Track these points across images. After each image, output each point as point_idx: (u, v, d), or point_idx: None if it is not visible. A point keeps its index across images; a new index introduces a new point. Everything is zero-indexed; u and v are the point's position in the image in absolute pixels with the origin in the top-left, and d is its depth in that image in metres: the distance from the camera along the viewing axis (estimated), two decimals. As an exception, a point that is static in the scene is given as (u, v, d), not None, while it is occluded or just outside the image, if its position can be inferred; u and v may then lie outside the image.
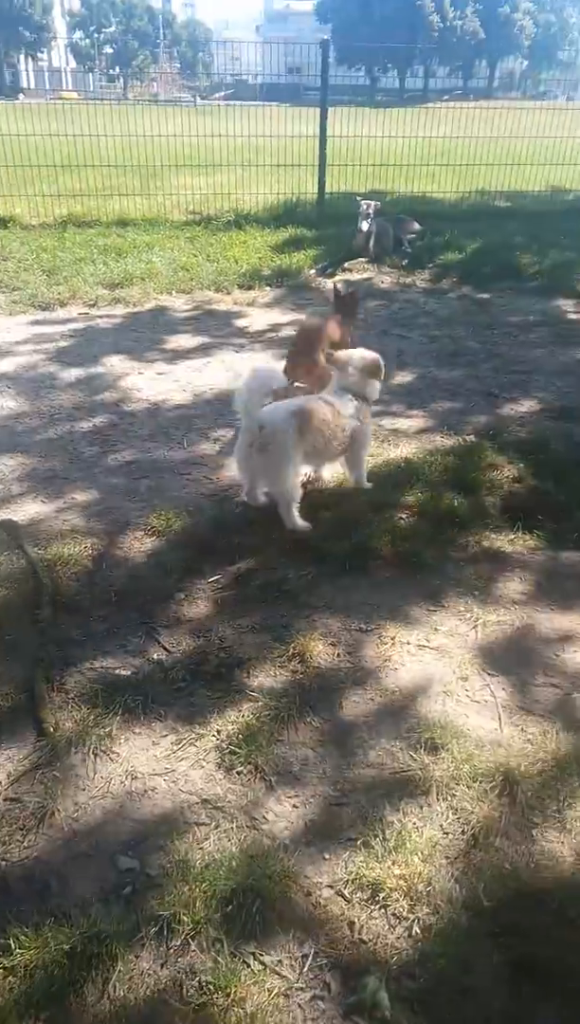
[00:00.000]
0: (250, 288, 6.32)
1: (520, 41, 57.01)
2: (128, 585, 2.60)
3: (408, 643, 2.38)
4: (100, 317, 5.59)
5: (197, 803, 1.83)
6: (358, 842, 1.72)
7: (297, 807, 1.82)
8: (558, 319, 5.70)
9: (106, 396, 4.23)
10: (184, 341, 5.14)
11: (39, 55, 53.30)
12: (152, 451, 3.61)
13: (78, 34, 65.64)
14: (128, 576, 2.66)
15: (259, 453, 2.74)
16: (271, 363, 3.01)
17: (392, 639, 2.38)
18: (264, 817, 1.79)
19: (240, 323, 5.55)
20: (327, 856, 1.70)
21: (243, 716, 2.07)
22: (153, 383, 4.43)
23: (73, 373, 4.54)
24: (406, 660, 2.31)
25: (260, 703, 2.12)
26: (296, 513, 2.86)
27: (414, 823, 1.77)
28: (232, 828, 1.76)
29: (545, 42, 57.81)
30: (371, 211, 6.98)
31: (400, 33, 50.91)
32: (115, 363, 4.70)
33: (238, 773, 1.91)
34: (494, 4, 54.81)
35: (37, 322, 5.45)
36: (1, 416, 3.93)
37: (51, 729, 1.98)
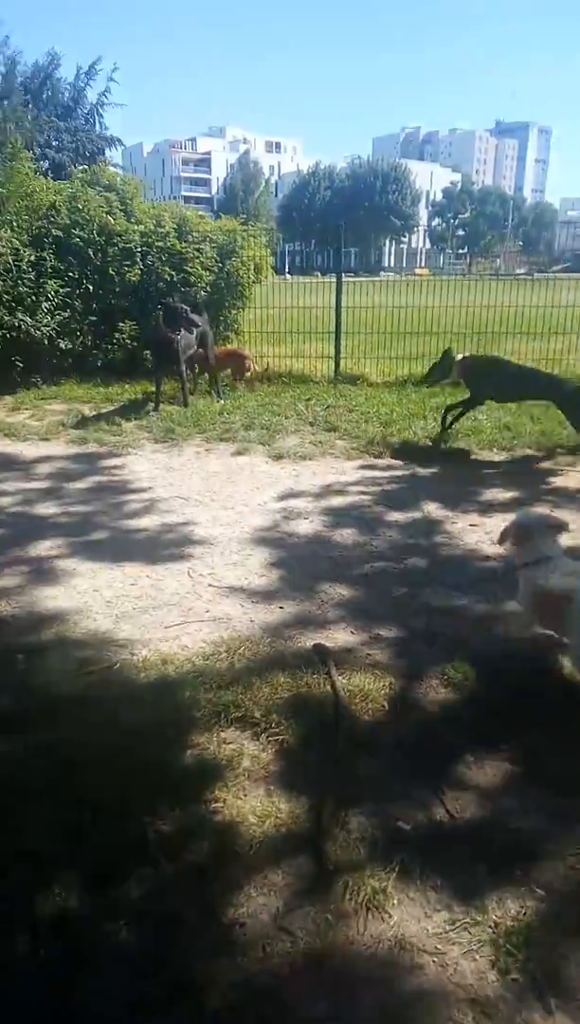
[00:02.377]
0: (576, 452, 6.20)
1: None
2: (418, 733, 2.58)
3: None
4: (423, 468, 5.95)
5: (464, 1001, 1.66)
6: None
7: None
8: None
9: (421, 541, 4.42)
10: (499, 495, 5.19)
11: (402, 239, 62.16)
12: (458, 600, 3.63)
13: (436, 221, 74.58)
14: (419, 724, 2.64)
15: None
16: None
17: None
18: (538, 1042, 1.56)
19: (557, 481, 5.45)
20: None
21: (525, 914, 1.87)
22: (466, 533, 4.51)
23: (394, 516, 4.84)
24: None
25: (544, 905, 1.89)
26: None
27: None
28: (500, 1044, 1.56)
29: None
30: None
31: None
32: (432, 510, 4.91)
33: (513, 980, 1.70)
34: None
35: (368, 467, 5.99)
36: (332, 548, 4.31)
37: (330, 867, 2.01)
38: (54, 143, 28.70)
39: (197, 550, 4.29)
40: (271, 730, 2.57)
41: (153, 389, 8.04)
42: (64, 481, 5.69)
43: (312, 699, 2.77)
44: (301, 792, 2.30)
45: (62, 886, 1.95)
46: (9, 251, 8.73)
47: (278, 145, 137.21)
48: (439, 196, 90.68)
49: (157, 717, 2.64)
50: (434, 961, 1.76)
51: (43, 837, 2.09)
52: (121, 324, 9.66)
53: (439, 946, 1.80)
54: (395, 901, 1.92)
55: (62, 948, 1.80)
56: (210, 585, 3.83)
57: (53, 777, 2.32)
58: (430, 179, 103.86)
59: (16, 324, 8.74)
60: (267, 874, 2.00)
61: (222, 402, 8.29)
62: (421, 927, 1.85)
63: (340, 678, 2.86)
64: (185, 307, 7.79)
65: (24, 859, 2.03)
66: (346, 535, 4.49)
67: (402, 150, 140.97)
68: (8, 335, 8.74)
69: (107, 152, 31.26)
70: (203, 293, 9.84)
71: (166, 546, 4.37)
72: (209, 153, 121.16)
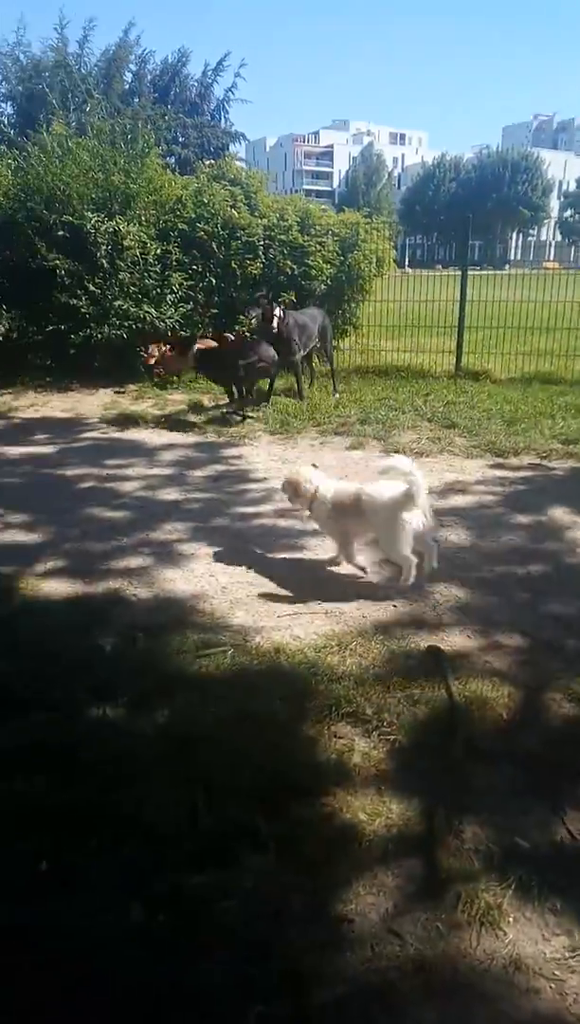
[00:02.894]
0: None
1: None
2: (539, 748, 2.46)
3: None
4: (552, 469, 5.68)
5: (585, 1034, 1.57)
6: None
7: None
8: None
9: (547, 545, 4.21)
10: (635, 503, 4.85)
11: (530, 231, 59.79)
12: (585, 611, 3.43)
13: (569, 212, 70.92)
14: (540, 739, 2.51)
15: None
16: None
17: None
18: None
19: None
20: None
21: None
22: (595, 541, 4.26)
23: (518, 518, 4.64)
24: None
25: None
26: None
27: None
28: None
29: None
30: None
31: None
32: (560, 515, 4.67)
33: None
34: None
35: (492, 466, 5.76)
36: (449, 547, 4.19)
37: (442, 875, 1.95)
38: (181, 139, 29.49)
39: (310, 542, 4.29)
40: (382, 729, 2.53)
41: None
42: (185, 469, 5.86)
43: (425, 701, 2.70)
44: (413, 794, 2.24)
45: (174, 863, 2.00)
46: (137, 245, 9.07)
47: (402, 137, 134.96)
48: (573, 186, 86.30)
49: (269, 705, 2.66)
50: (551, 987, 1.67)
51: (157, 812, 2.15)
52: (242, 317, 9.81)
53: (557, 972, 1.70)
54: (511, 919, 1.83)
55: (172, 924, 1.84)
56: (322, 577, 3.82)
57: (170, 755, 2.39)
58: (564, 168, 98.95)
59: (142, 315, 9.08)
60: (377, 874, 1.97)
61: (338, 395, 8.27)
62: (538, 949, 1.76)
63: (456, 683, 2.77)
64: (266, 300, 7.77)
65: (138, 832, 2.09)
66: (464, 536, 4.36)
67: (534, 139, 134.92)
68: (134, 326, 9.10)
69: (231, 147, 31.80)
70: (323, 287, 9.83)
71: (280, 536, 4.40)
72: (331, 146, 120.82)
